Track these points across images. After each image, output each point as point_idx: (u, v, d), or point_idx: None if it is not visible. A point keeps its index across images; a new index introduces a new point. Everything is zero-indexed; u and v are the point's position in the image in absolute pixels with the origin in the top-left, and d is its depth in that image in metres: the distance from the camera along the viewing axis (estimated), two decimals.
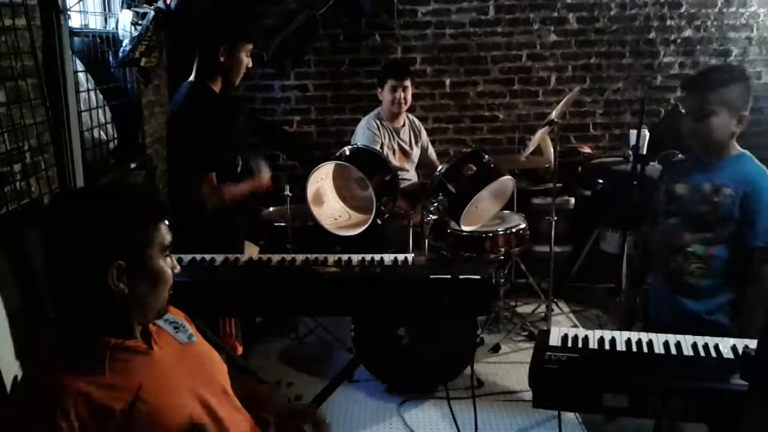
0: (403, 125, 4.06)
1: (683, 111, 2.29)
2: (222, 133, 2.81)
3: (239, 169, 2.94)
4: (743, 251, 2.21)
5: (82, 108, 3.06)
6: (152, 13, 3.49)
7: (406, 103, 3.94)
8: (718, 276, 2.25)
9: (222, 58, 2.81)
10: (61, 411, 1.23)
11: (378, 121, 3.96)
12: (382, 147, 3.86)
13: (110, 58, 3.63)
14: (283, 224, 3.85)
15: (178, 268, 1.48)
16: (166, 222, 1.43)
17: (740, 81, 2.21)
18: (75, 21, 3.32)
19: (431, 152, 4.27)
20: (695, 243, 2.26)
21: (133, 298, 1.37)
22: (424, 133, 4.22)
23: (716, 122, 2.18)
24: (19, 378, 2.13)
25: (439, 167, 3.24)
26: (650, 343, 1.82)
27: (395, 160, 3.93)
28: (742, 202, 2.18)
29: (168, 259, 1.44)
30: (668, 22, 4.84)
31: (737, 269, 2.23)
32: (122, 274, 1.34)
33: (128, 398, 1.31)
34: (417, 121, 4.21)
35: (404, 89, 3.89)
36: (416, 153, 4.13)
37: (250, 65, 2.92)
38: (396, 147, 4.00)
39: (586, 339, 1.86)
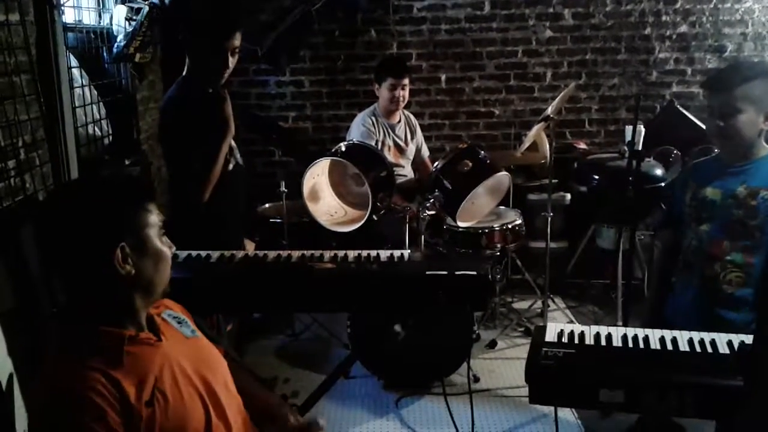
0: (399, 121, 4.05)
1: (708, 111, 2.20)
2: (210, 129, 2.76)
3: (231, 166, 2.90)
4: None
5: (77, 104, 3.05)
6: (146, 8, 3.48)
7: (404, 101, 3.95)
8: (755, 283, 2.14)
9: (208, 55, 2.72)
10: (90, 409, 1.25)
11: (373, 118, 3.95)
12: (377, 144, 3.85)
13: (104, 54, 3.62)
14: (278, 220, 3.85)
15: (174, 248, 1.51)
16: (154, 203, 1.46)
17: (764, 77, 2.12)
18: (69, 16, 3.31)
19: (424, 151, 4.26)
20: (734, 251, 2.16)
21: (140, 279, 1.40)
22: (419, 131, 4.22)
23: (744, 120, 2.10)
24: (14, 376, 2.13)
25: (435, 163, 3.24)
26: (646, 339, 1.82)
27: (390, 157, 3.92)
28: None
29: (164, 238, 1.47)
30: (663, 18, 4.84)
31: None
32: (127, 255, 1.37)
33: (149, 388, 1.34)
34: (413, 118, 4.20)
35: (403, 87, 3.89)
36: (411, 149, 4.13)
37: (232, 65, 2.78)
38: (391, 143, 4.00)
39: (582, 335, 1.86)
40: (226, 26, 2.70)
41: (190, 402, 1.41)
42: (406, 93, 3.94)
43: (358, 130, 3.92)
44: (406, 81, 3.91)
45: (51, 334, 2.29)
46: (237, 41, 2.74)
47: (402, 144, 4.05)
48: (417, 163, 4.20)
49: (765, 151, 2.18)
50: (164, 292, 1.51)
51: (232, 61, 2.73)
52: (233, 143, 2.84)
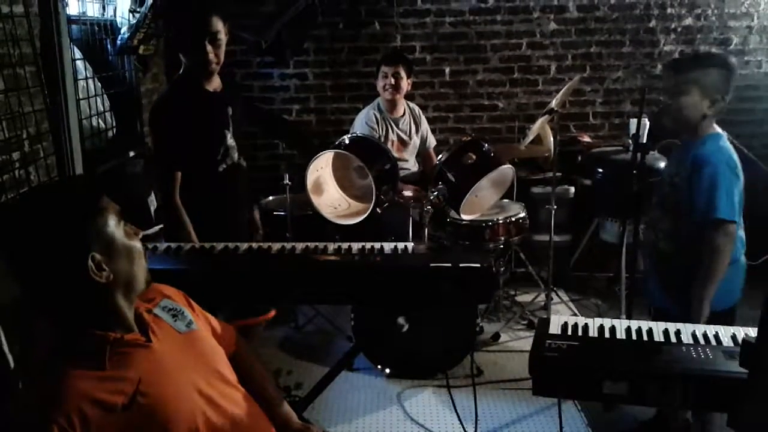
0: (403, 114, 4.04)
1: (663, 91, 2.52)
2: (192, 128, 2.62)
3: (224, 167, 2.75)
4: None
5: (81, 96, 3.05)
6: (150, 0, 3.47)
7: (396, 90, 3.87)
8: (682, 252, 2.40)
9: (188, 46, 2.60)
10: (60, 411, 1.23)
11: (377, 114, 3.93)
12: (379, 139, 3.85)
13: (108, 46, 3.62)
14: (282, 213, 3.85)
15: (140, 234, 1.47)
16: (105, 197, 1.41)
17: (719, 67, 2.33)
18: (73, 8, 3.31)
19: (429, 144, 4.24)
20: (665, 220, 2.45)
21: (118, 280, 1.38)
22: (424, 123, 4.20)
23: (686, 101, 2.33)
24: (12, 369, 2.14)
25: (439, 156, 3.23)
26: (650, 331, 1.83)
27: (393, 151, 3.91)
28: (690, 179, 2.33)
29: (127, 227, 1.43)
30: (668, 11, 4.82)
31: (695, 244, 2.35)
32: (100, 263, 1.34)
33: (129, 392, 1.31)
34: (417, 110, 4.18)
35: (395, 75, 3.84)
36: (416, 142, 4.12)
37: (215, 54, 2.60)
38: (395, 138, 3.98)
39: (585, 327, 1.86)
40: (198, 13, 2.55)
41: (180, 401, 1.39)
42: (401, 82, 3.87)
43: (360, 126, 3.92)
44: (400, 70, 3.85)
45: (42, 329, 2.29)
46: (215, 27, 2.55)
47: (405, 138, 4.04)
48: (422, 154, 4.19)
49: (707, 132, 2.38)
50: (147, 282, 1.48)
51: (212, 50, 2.56)
52: (232, 143, 2.75)
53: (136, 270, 1.43)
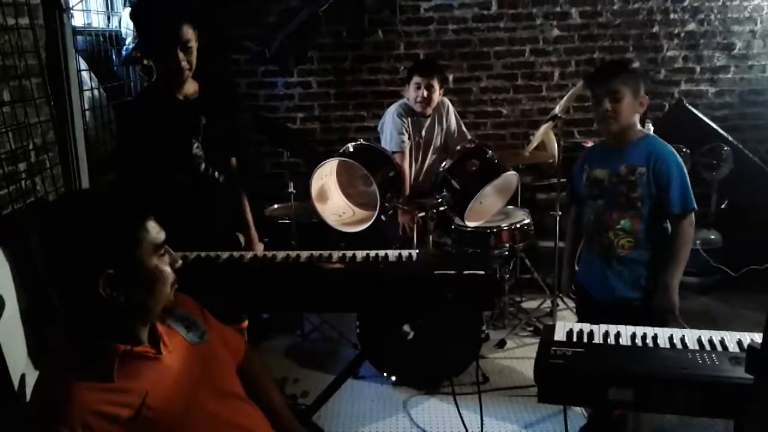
0: (429, 115, 3.94)
1: (594, 101, 2.58)
2: (154, 135, 2.57)
3: (183, 167, 2.63)
4: (661, 219, 2.57)
5: (86, 107, 3.07)
6: None
7: (428, 103, 3.81)
8: (642, 245, 2.57)
9: (159, 53, 2.55)
10: (65, 424, 1.24)
11: (402, 112, 3.86)
12: (409, 137, 3.83)
13: (113, 57, 3.65)
14: (287, 221, 3.86)
15: (179, 263, 1.44)
16: (153, 219, 1.40)
17: (633, 72, 2.59)
18: (78, 20, 3.33)
19: (459, 138, 4.05)
20: (622, 220, 2.57)
21: (131, 303, 1.35)
22: (451, 115, 4.07)
23: (626, 103, 2.50)
24: (27, 376, 2.15)
25: (443, 163, 3.23)
26: (655, 338, 1.82)
27: (419, 153, 3.92)
28: (654, 177, 2.51)
29: (165, 256, 1.41)
30: (672, 16, 4.82)
31: (655, 235, 2.58)
32: (114, 282, 1.31)
33: (135, 404, 1.31)
34: (446, 103, 4.06)
35: (428, 88, 3.77)
36: (441, 137, 4.03)
37: (187, 61, 2.53)
38: (421, 140, 3.92)
39: (591, 333, 1.86)
40: (169, 21, 2.49)
41: (187, 416, 1.39)
42: (433, 94, 3.80)
43: (391, 120, 3.86)
44: (434, 82, 3.79)
45: (53, 338, 2.29)
46: (186, 36, 2.49)
47: (430, 137, 3.96)
48: (451, 150, 4.10)
49: (640, 134, 2.62)
50: (165, 311, 1.44)
51: (184, 56, 2.49)
52: (199, 153, 2.62)
53: (154, 300, 1.39)
